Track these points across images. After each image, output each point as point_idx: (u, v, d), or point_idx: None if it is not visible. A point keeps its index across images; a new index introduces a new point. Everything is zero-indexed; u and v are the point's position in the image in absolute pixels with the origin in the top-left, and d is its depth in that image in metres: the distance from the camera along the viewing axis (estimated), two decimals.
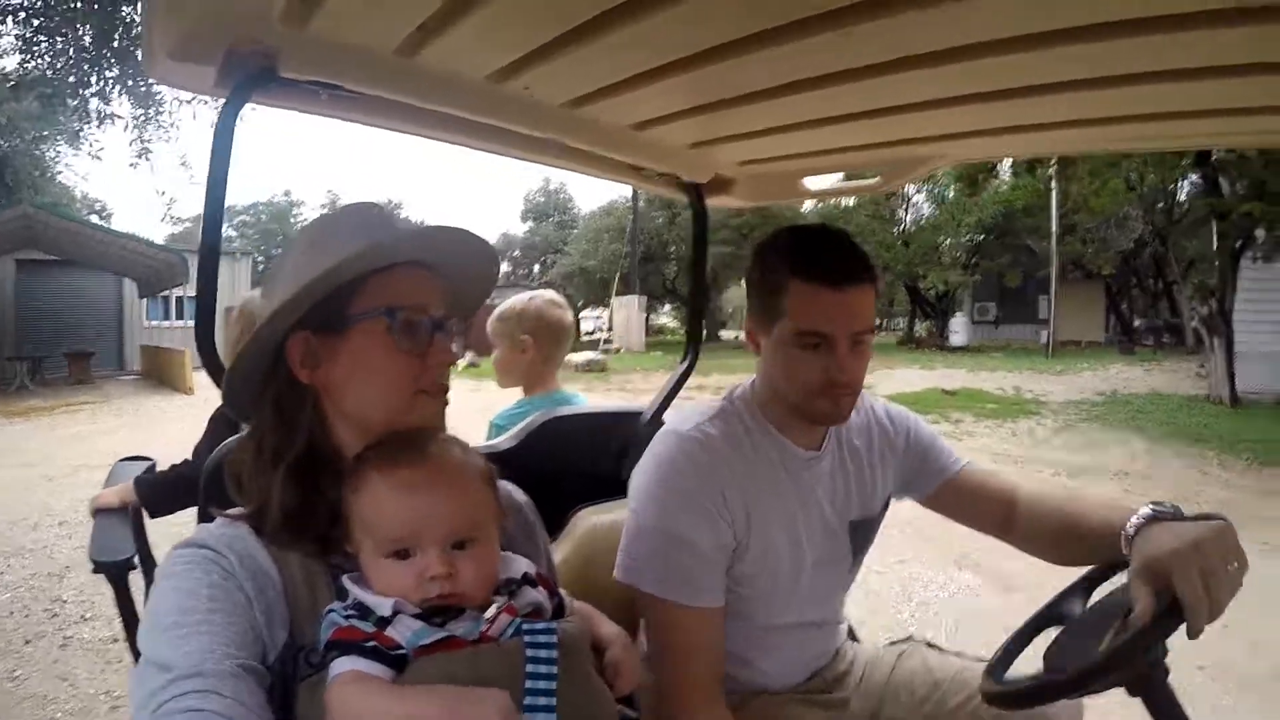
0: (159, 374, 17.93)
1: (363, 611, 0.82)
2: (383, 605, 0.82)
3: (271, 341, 0.93)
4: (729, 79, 1.27)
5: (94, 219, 23.05)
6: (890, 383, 14.30)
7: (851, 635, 1.65)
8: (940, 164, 1.67)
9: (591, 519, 1.67)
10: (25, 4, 10.27)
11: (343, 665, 0.78)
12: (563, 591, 1.00)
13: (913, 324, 30.11)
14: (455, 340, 1.02)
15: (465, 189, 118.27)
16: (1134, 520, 1.13)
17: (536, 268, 41.41)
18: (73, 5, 10.32)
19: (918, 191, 27.23)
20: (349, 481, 0.89)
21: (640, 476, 1.35)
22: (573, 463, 1.80)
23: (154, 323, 23.75)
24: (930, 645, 1.58)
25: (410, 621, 0.81)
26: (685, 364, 1.98)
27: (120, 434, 10.36)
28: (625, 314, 25.04)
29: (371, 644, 0.79)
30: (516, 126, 1.41)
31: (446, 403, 0.98)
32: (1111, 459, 8.31)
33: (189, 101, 12.21)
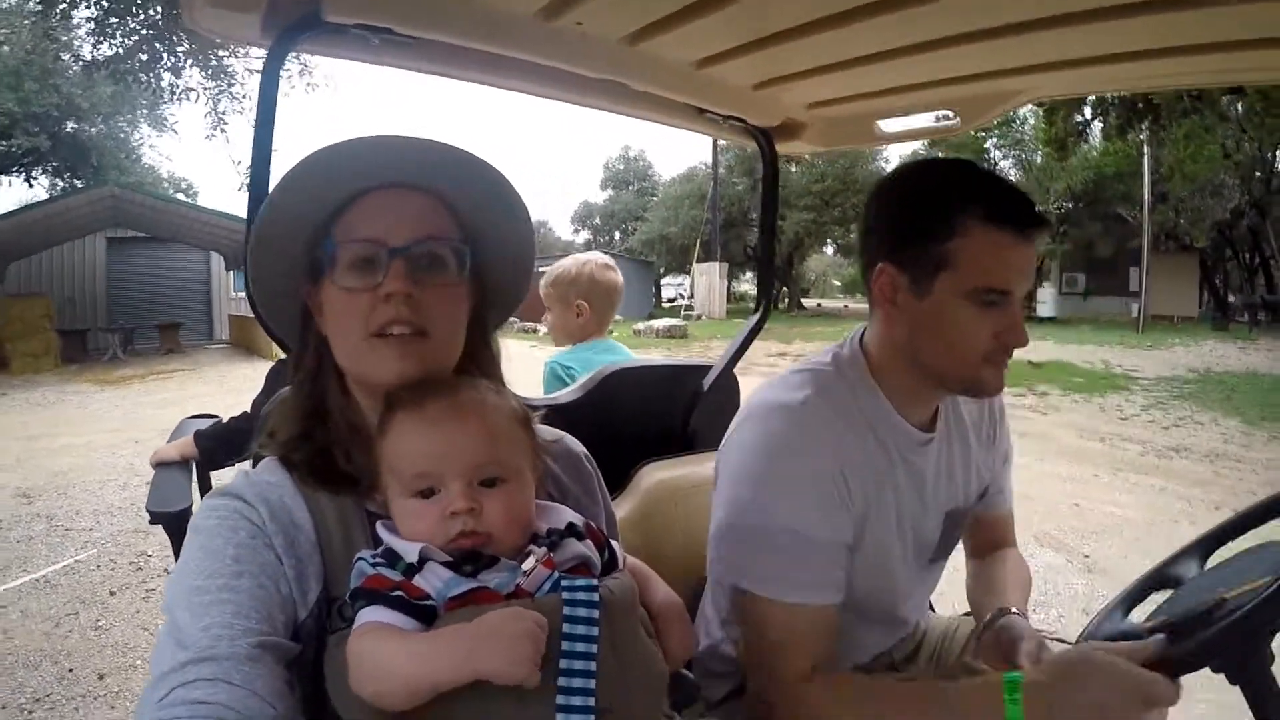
0: (247, 342, 18.62)
1: (390, 559, 0.78)
2: (410, 550, 0.78)
3: (279, 290, 0.91)
4: (792, 7, 1.19)
5: (180, 197, 24.09)
6: None
7: (929, 606, 1.56)
8: (1021, 100, 1.53)
9: (656, 474, 1.63)
10: None
11: (366, 616, 0.74)
12: (616, 545, 0.92)
13: None
14: (460, 270, 0.88)
15: (546, 158, 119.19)
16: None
17: (617, 235, 41.75)
18: None
19: (1004, 157, 26.12)
20: (378, 427, 0.85)
21: (735, 455, 1.18)
22: (636, 417, 1.76)
23: (241, 294, 24.83)
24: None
25: (439, 570, 0.76)
26: (756, 318, 1.92)
27: (206, 399, 10.73)
28: (706, 281, 25.05)
29: (397, 593, 0.74)
30: (571, 66, 1.35)
31: (425, 345, 0.84)
32: (1203, 439, 7.91)
33: (258, 72, 12.56)
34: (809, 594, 1.10)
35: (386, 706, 0.71)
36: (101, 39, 11.56)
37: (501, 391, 0.89)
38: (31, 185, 20.51)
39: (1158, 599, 1.09)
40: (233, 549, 0.77)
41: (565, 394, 1.75)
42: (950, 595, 1.67)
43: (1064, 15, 1.14)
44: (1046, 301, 24.15)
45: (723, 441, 1.25)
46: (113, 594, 4.07)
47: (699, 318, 23.56)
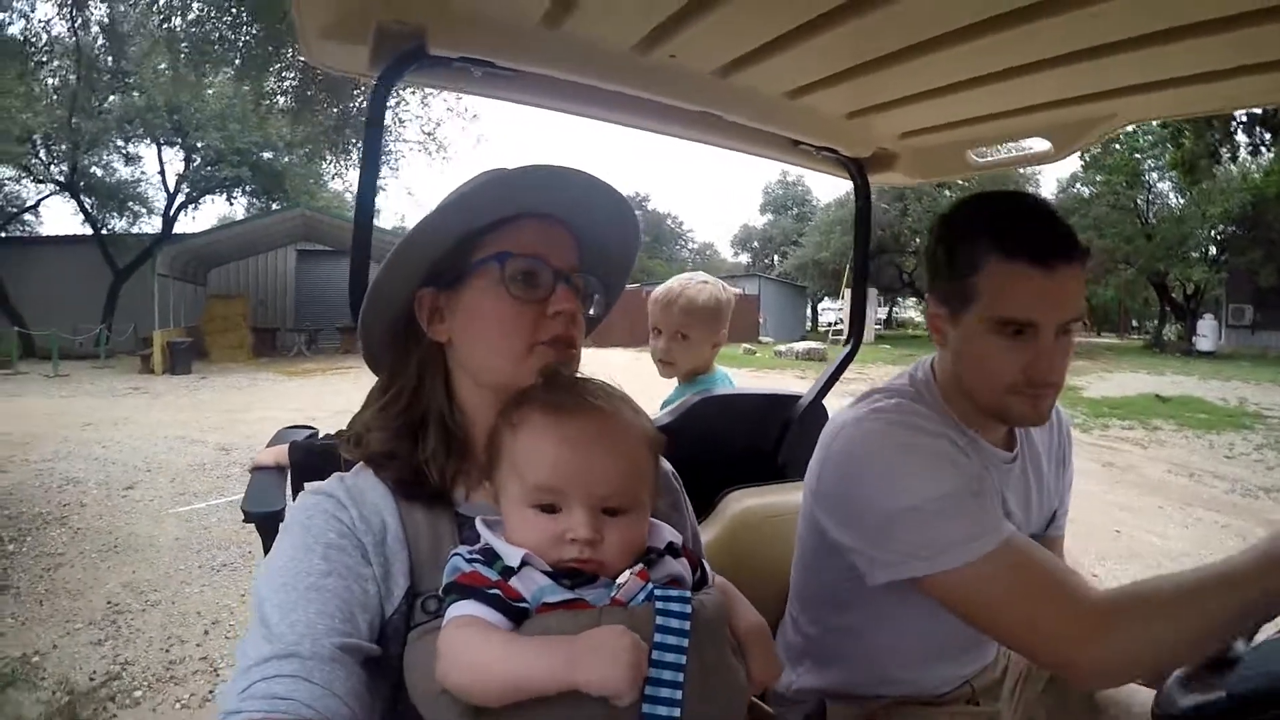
0: None
1: (488, 558, 0.76)
2: (512, 555, 0.75)
3: (395, 298, 0.90)
4: (883, 34, 1.13)
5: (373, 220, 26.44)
6: (1102, 386, 13.15)
7: None
8: (1115, 125, 1.39)
9: (743, 501, 1.59)
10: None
11: (460, 609, 0.72)
12: (706, 564, 0.88)
13: (1161, 326, 26.70)
14: (591, 300, 0.94)
15: (712, 182, 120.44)
16: None
17: (776, 258, 41.67)
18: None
19: (1161, 179, 23.87)
20: (507, 416, 0.81)
21: (839, 469, 1.13)
22: (726, 443, 1.71)
23: None
24: None
25: (537, 576, 0.74)
26: (847, 350, 1.85)
27: None
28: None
29: (494, 591, 0.72)
30: (665, 98, 1.33)
31: (573, 359, 0.90)
32: None
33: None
34: (1001, 530, 1.00)
35: (472, 701, 0.70)
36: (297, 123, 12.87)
37: (640, 412, 0.86)
38: (231, 204, 23.44)
39: None
40: (321, 548, 0.78)
41: (659, 418, 1.72)
42: None
43: (1157, 33, 1.03)
44: (1206, 335, 21.73)
45: (813, 467, 1.20)
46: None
47: (847, 342, 22.98)
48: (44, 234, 21.84)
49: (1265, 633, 0.95)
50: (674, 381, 2.09)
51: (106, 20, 12.69)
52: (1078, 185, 26.84)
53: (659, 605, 0.72)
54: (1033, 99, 1.33)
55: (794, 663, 1.32)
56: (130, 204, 21.28)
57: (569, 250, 0.91)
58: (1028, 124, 1.44)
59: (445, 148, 18.10)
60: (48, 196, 21.09)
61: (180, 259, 18.24)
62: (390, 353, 0.93)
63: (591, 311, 0.97)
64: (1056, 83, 1.23)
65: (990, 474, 1.14)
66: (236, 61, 11.09)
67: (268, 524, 1.58)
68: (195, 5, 10.45)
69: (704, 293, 1.97)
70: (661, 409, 1.90)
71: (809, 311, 37.02)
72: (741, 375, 13.74)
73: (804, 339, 24.58)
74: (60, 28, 13.08)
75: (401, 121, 17.32)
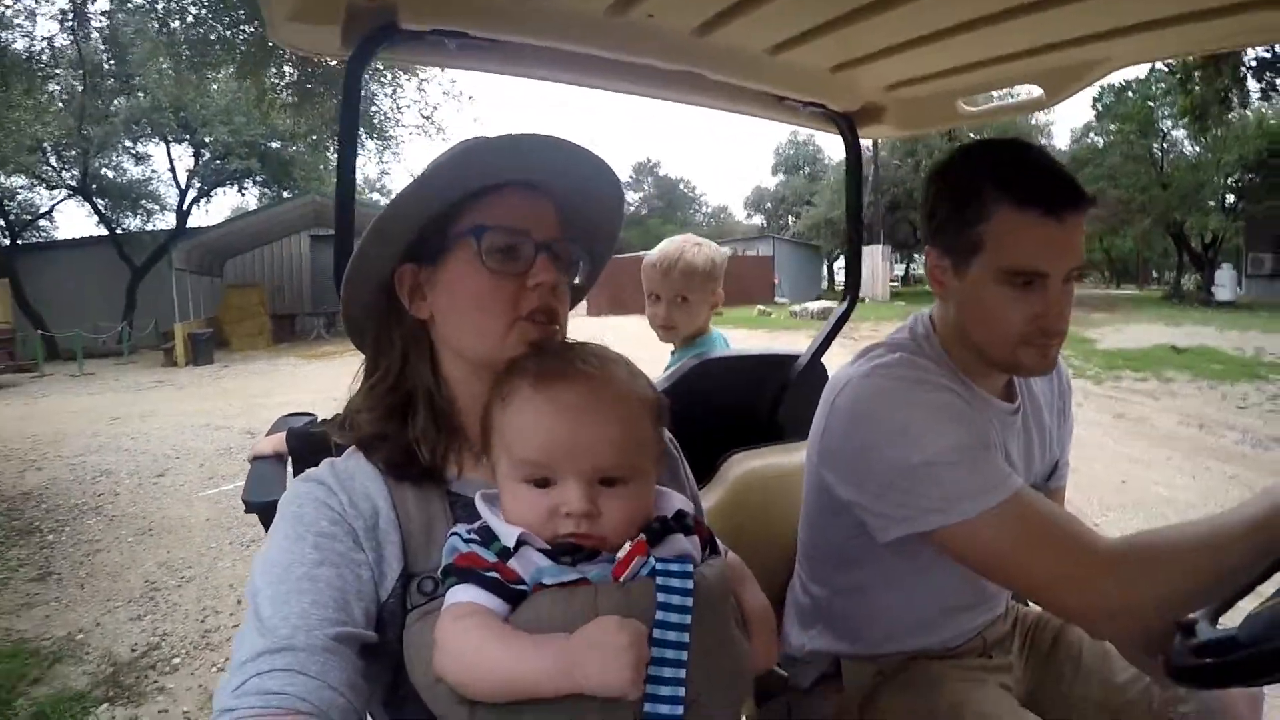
0: None
1: (485, 538, 0.73)
2: (508, 535, 0.72)
3: (374, 275, 0.87)
4: None
5: (380, 200, 26.42)
6: (1116, 338, 12.95)
7: None
8: (1108, 69, 1.34)
9: (745, 463, 1.57)
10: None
11: (459, 595, 0.70)
12: (718, 540, 0.85)
13: (1179, 277, 26.26)
14: (576, 268, 0.91)
15: (724, 144, 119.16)
16: None
17: (791, 219, 41.27)
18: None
19: (1175, 127, 23.30)
20: (498, 389, 0.79)
21: (845, 425, 1.11)
22: (725, 407, 1.69)
23: None
24: None
25: (536, 556, 0.71)
26: (844, 307, 1.81)
27: None
28: (869, 264, 23.85)
29: (492, 575, 0.70)
30: (645, 59, 1.29)
31: (555, 334, 0.87)
32: None
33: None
34: (1010, 481, 0.99)
35: (467, 695, 0.68)
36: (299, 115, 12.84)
37: (637, 375, 0.82)
38: (243, 194, 23.86)
39: None
40: (313, 537, 0.76)
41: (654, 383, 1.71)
42: None
43: None
44: (1224, 285, 21.27)
45: (817, 425, 1.19)
46: None
47: (862, 300, 22.59)
48: (60, 238, 22.32)
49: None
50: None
51: (107, 30, 12.73)
52: (1091, 135, 26.26)
53: (660, 581, 0.70)
54: (1022, 44, 1.28)
55: (805, 624, 1.32)
56: (143, 202, 21.75)
57: (549, 218, 0.88)
58: (1018, 70, 1.40)
59: (443, 130, 18.22)
60: (61, 201, 21.66)
61: (196, 253, 18.43)
62: (374, 331, 0.91)
63: (577, 280, 0.95)
64: (1046, 26, 1.19)
65: (993, 425, 1.13)
66: (236, 60, 11.07)
67: (268, 513, 1.57)
68: (192, 9, 10.45)
69: (700, 255, 1.95)
70: (664, 374, 1.88)
71: (824, 271, 36.64)
72: (757, 337, 13.68)
73: (819, 299, 24.24)
74: (62, 39, 13.21)
75: (400, 108, 17.53)
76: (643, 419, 0.79)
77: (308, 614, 0.69)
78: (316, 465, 0.86)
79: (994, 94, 1.58)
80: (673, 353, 2.04)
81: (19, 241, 20.68)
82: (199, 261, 18.83)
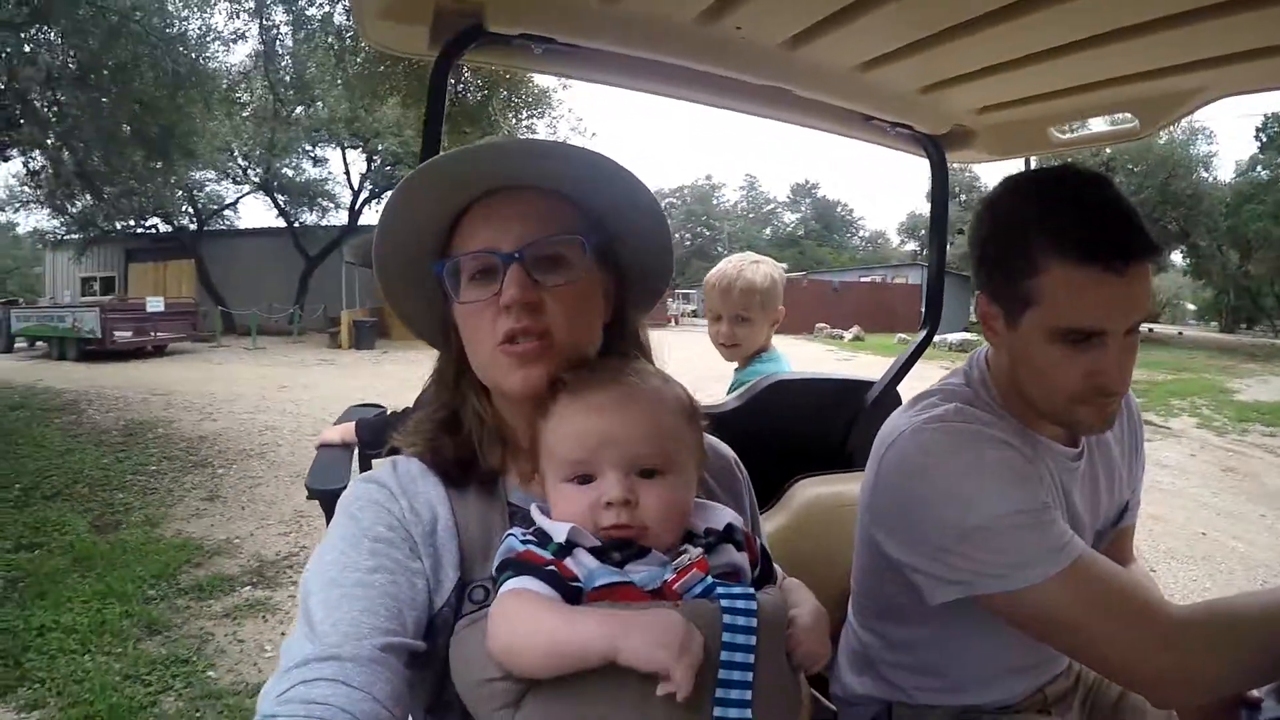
0: None
1: (542, 539, 0.73)
2: (558, 530, 0.73)
3: (410, 313, 0.88)
4: (956, 3, 1.04)
5: None
6: (1261, 389, 12.06)
7: None
8: (1205, 99, 1.22)
9: (810, 489, 1.52)
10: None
11: (515, 583, 0.70)
12: (773, 561, 0.83)
13: None
14: (577, 260, 0.80)
15: (880, 171, 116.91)
16: None
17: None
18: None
19: None
20: (541, 407, 0.79)
21: (910, 483, 1.02)
22: (795, 429, 1.64)
23: None
24: None
25: (586, 558, 0.71)
26: (922, 335, 1.73)
27: None
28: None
29: (550, 569, 0.70)
30: (732, 71, 1.27)
31: (546, 352, 0.78)
32: None
33: None
34: (1072, 547, 0.91)
35: (519, 667, 0.67)
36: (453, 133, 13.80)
37: (668, 380, 0.81)
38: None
39: None
40: (369, 542, 0.74)
41: (726, 402, 1.66)
42: None
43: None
44: None
45: (867, 480, 1.12)
46: None
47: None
48: (242, 227, 24.73)
49: None
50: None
51: (291, 62, 14.25)
52: (1258, 169, 23.24)
53: (724, 604, 0.68)
54: (1115, 71, 1.19)
55: (858, 671, 1.25)
56: (319, 200, 23.62)
57: (529, 220, 0.79)
58: (1111, 98, 1.29)
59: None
60: (245, 195, 23.94)
61: (364, 248, 19.59)
62: (431, 340, 0.90)
63: (584, 269, 0.82)
64: (1140, 54, 1.10)
65: (1055, 475, 1.03)
66: (401, 92, 12.04)
67: (330, 501, 1.60)
68: (364, 48, 11.43)
69: (760, 273, 1.92)
70: (728, 394, 1.84)
71: (972, 303, 34.27)
72: (882, 363, 13.05)
73: (965, 330, 22.75)
74: (248, 62, 14.72)
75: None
76: (676, 415, 0.78)
77: (358, 622, 0.67)
78: (381, 456, 0.87)
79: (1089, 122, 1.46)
80: (736, 370, 2.02)
81: (205, 228, 23.07)
82: (367, 256, 20.04)
